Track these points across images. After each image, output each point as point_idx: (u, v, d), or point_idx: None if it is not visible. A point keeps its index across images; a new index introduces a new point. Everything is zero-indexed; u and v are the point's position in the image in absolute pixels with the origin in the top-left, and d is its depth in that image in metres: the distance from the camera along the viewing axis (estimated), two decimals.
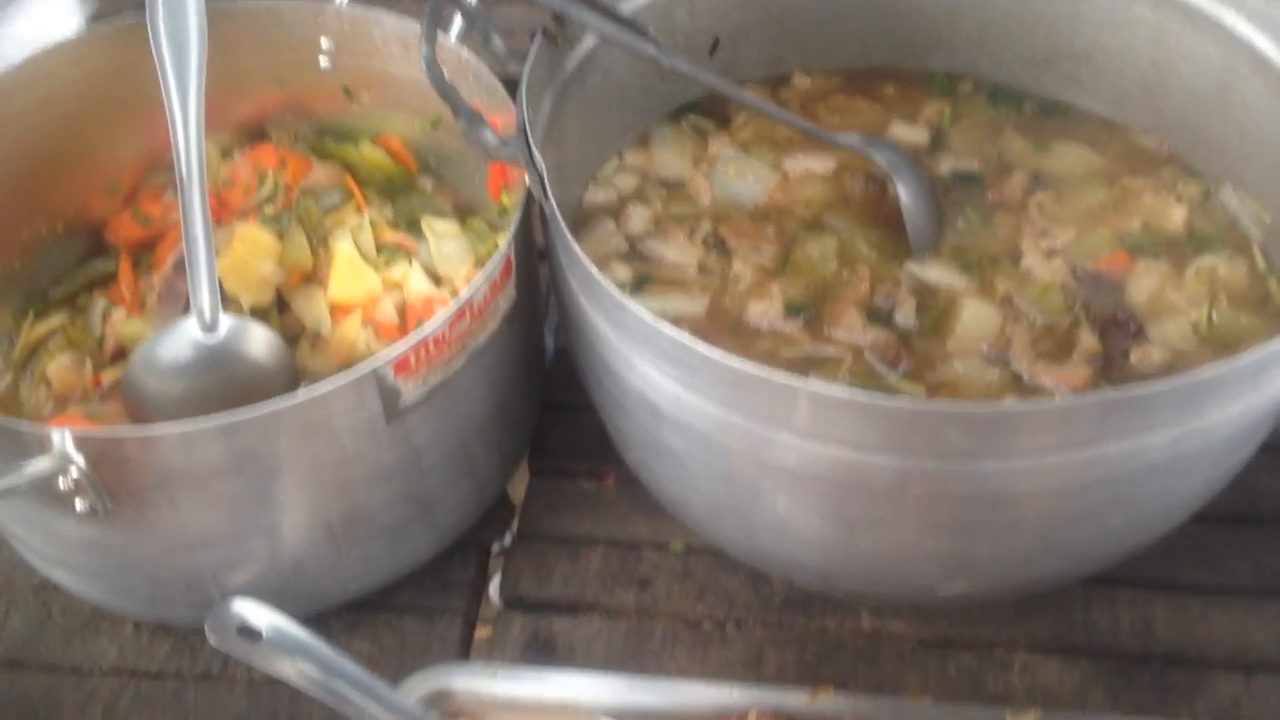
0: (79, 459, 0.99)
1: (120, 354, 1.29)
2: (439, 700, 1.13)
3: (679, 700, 1.14)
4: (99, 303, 1.35)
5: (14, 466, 0.97)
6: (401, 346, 1.07)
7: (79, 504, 1.01)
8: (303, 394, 1.03)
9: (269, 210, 1.38)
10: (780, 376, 0.98)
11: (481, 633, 1.27)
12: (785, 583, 1.28)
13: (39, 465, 0.98)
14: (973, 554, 1.09)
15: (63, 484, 0.99)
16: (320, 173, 1.43)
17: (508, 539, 1.34)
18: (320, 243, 1.34)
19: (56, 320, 1.34)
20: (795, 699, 1.13)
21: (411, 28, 1.34)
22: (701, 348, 0.99)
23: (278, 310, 1.31)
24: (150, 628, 1.24)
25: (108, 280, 1.37)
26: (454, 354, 1.12)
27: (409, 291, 1.31)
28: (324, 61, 1.41)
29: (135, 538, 1.09)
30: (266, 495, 1.08)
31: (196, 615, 1.12)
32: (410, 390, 1.10)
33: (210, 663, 1.22)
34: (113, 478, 1.02)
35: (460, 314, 1.11)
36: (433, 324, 1.09)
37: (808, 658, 1.23)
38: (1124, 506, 1.06)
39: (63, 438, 0.98)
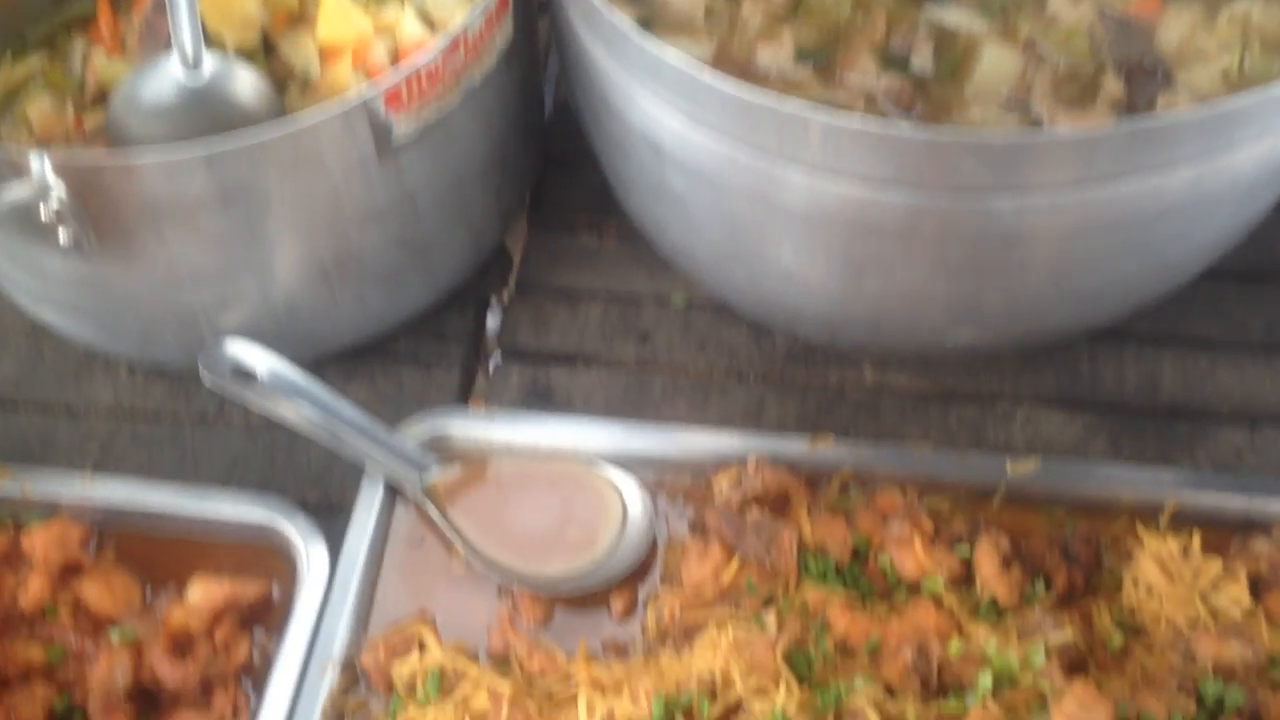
0: (59, 187, 0.95)
1: (102, 96, 1.23)
2: (437, 444, 1.13)
3: (678, 446, 1.13)
4: (78, 44, 1.28)
5: None
6: (392, 78, 1.02)
7: (62, 236, 0.98)
8: (290, 124, 0.99)
9: None
10: (790, 105, 0.93)
11: (479, 382, 1.26)
12: (788, 336, 1.26)
13: (17, 192, 0.94)
14: (981, 300, 1.06)
15: (44, 214, 0.96)
16: None
17: (506, 291, 1.32)
18: None
19: (35, 62, 1.28)
20: (795, 446, 1.12)
21: None
22: (708, 76, 0.95)
23: (264, 54, 1.25)
24: (144, 370, 1.23)
25: (86, 21, 1.30)
26: (448, 89, 1.07)
27: (401, 35, 1.24)
28: None
29: (123, 274, 1.06)
30: (256, 232, 1.05)
31: (190, 357, 1.11)
32: (402, 126, 1.05)
33: (206, 405, 1.21)
34: (96, 209, 0.98)
35: (454, 46, 1.06)
36: (425, 56, 1.04)
37: (808, 409, 1.23)
38: (1139, 251, 1.03)
39: (42, 163, 0.94)
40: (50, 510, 1.06)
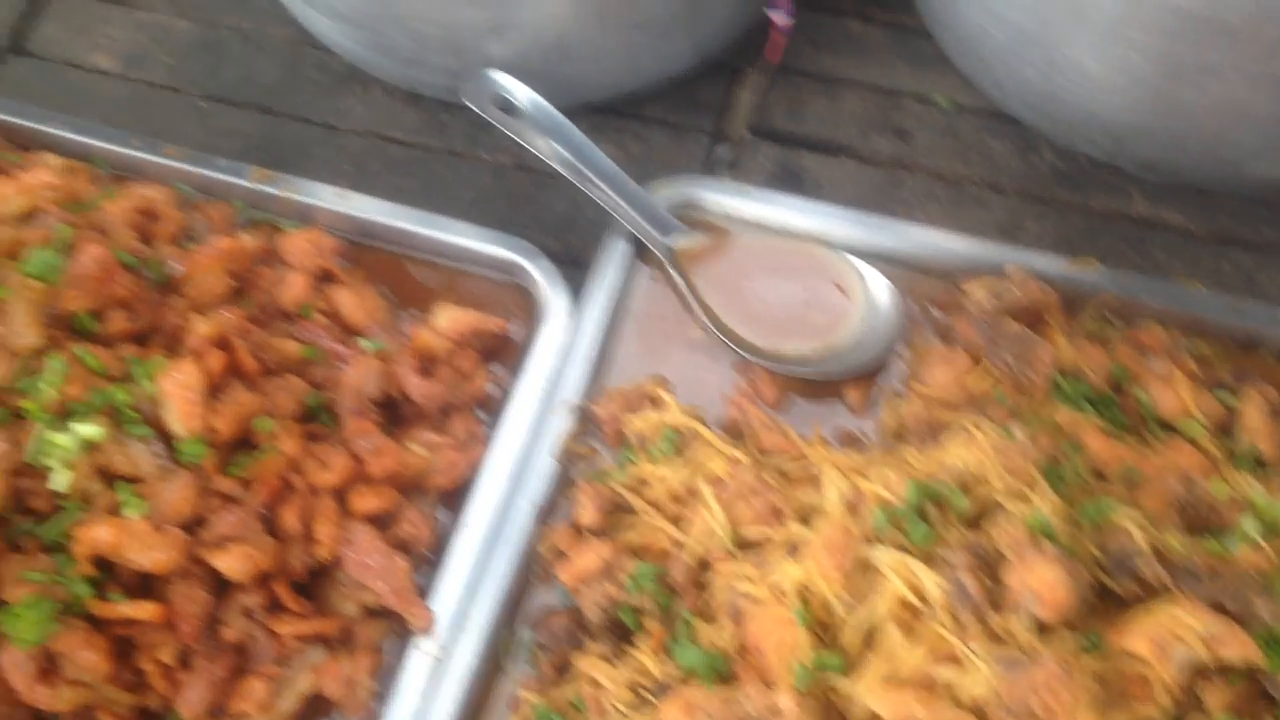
0: None
1: None
2: (685, 207, 1.09)
3: (932, 248, 1.07)
4: None
5: None
6: None
7: None
8: None
9: None
10: None
11: (727, 156, 1.21)
12: (1058, 151, 1.18)
13: None
14: None
15: None
16: None
17: (763, 69, 1.26)
18: None
19: None
20: (1055, 264, 1.06)
21: None
22: None
23: None
24: (402, 95, 1.21)
25: None
26: None
27: None
28: None
29: None
30: None
31: (450, 84, 1.08)
32: None
33: (457, 140, 1.19)
34: None
35: None
36: None
37: (1069, 233, 1.15)
38: None
39: None
40: (305, 217, 1.06)
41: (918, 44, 1.23)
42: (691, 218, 1.09)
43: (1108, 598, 0.84)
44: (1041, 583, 0.78)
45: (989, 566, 0.81)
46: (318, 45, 1.22)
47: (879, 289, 1.06)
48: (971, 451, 0.88)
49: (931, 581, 0.80)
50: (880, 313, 1.06)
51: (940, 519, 0.85)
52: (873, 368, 1.04)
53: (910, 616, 0.80)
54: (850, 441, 1.01)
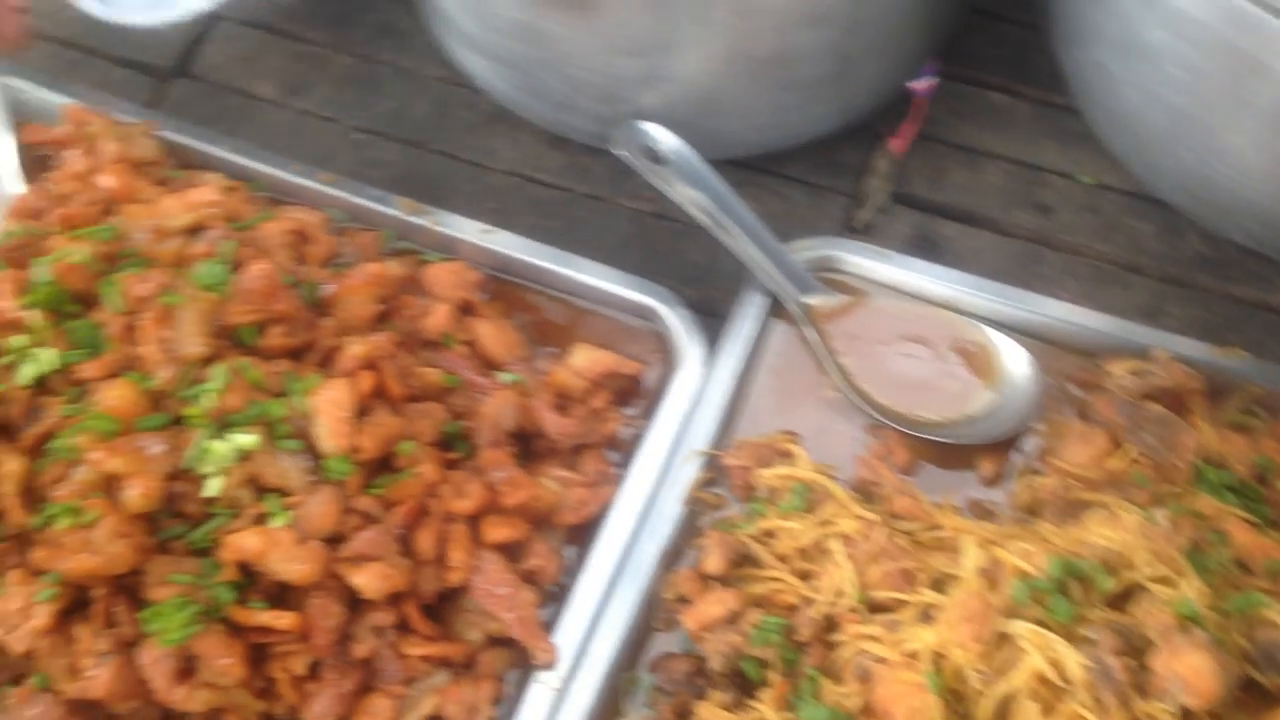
0: None
1: None
2: (824, 266, 1.09)
3: (1073, 324, 1.06)
4: None
5: None
6: None
7: None
8: None
9: None
10: None
11: (865, 219, 1.21)
12: (1204, 235, 1.16)
13: None
14: None
15: None
16: None
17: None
18: None
19: None
20: (1199, 349, 1.04)
21: None
22: None
23: None
24: (548, 138, 1.23)
25: None
26: None
27: None
28: None
29: (571, 29, 1.05)
30: (706, 9, 1.01)
31: (597, 129, 1.10)
32: None
33: (599, 185, 1.21)
34: None
35: None
36: None
37: (1213, 321, 1.13)
38: None
39: None
40: (449, 249, 1.08)
41: (1064, 121, 1.23)
42: (829, 278, 1.09)
43: (1253, 691, 0.81)
44: (1190, 670, 0.75)
45: (1134, 649, 0.79)
46: (468, 85, 1.25)
47: (1016, 361, 1.05)
48: (1116, 531, 0.86)
49: (1074, 660, 0.78)
50: (1017, 385, 1.04)
51: (1082, 597, 0.83)
52: (1007, 439, 1.02)
53: (1049, 694, 0.78)
54: (981, 512, 0.99)
